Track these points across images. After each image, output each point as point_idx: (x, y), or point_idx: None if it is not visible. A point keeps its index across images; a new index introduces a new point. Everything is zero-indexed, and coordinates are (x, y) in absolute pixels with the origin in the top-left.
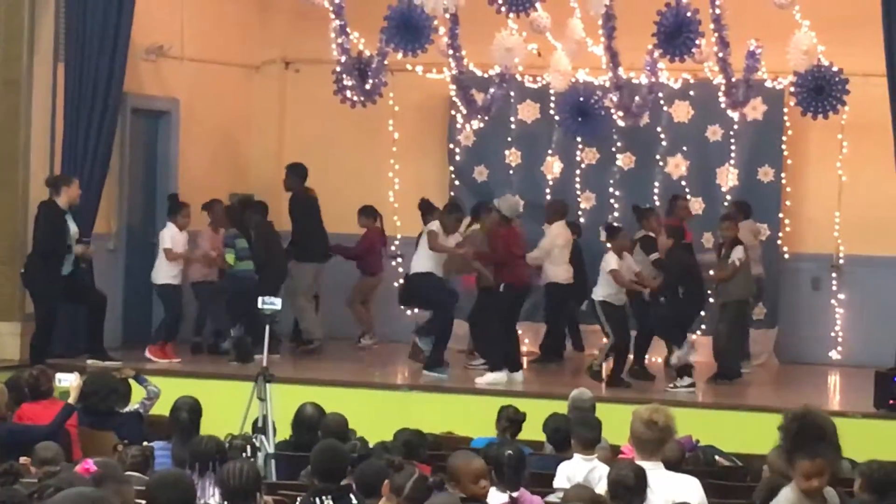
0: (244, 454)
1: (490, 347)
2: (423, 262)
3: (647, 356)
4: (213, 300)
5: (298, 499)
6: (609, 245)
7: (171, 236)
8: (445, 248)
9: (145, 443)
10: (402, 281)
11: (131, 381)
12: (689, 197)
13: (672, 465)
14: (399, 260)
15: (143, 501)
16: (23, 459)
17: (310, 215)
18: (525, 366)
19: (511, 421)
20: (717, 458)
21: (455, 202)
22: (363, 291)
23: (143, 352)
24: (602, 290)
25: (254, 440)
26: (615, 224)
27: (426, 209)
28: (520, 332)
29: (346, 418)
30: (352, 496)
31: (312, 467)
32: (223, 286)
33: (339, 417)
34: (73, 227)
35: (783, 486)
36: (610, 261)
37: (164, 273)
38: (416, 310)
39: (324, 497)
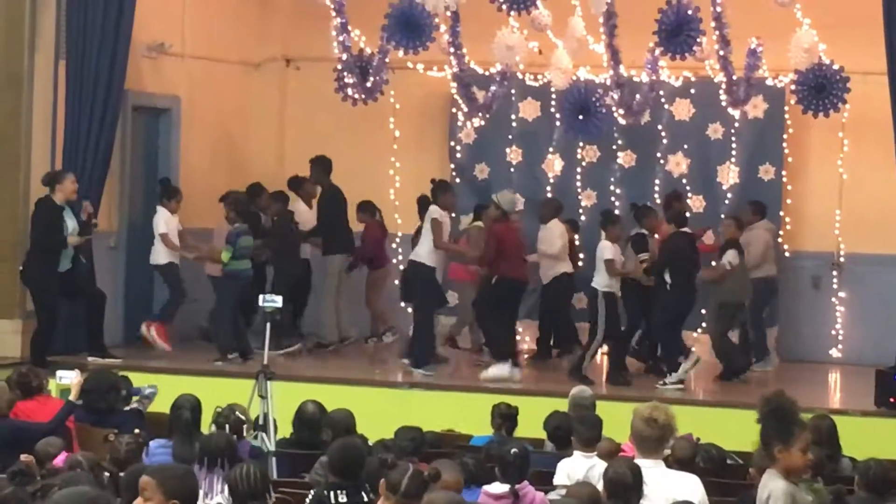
0: (238, 434)
1: (490, 339)
2: (427, 254)
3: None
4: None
5: (312, 491)
6: (604, 233)
7: (164, 221)
8: (450, 247)
9: (137, 430)
10: (402, 272)
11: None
12: (690, 195)
13: (684, 464)
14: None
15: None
16: (24, 457)
17: (338, 208)
18: (523, 363)
19: (504, 416)
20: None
21: (443, 181)
22: (374, 286)
23: (146, 349)
24: (603, 280)
25: (237, 413)
26: (615, 213)
27: (424, 205)
28: (519, 329)
29: (352, 413)
30: (364, 494)
31: (329, 463)
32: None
33: (346, 413)
34: (71, 223)
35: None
36: (605, 249)
37: (163, 253)
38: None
39: (339, 491)
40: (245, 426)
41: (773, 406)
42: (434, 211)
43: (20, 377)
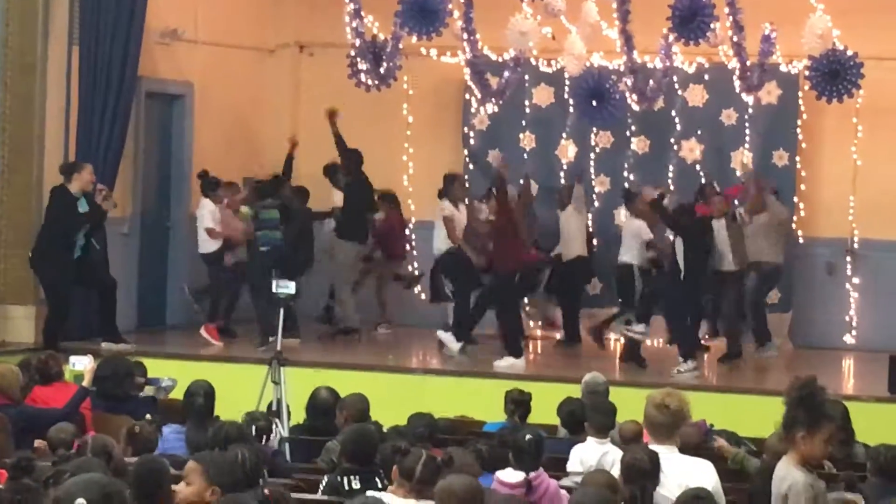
0: (266, 436)
1: (507, 331)
2: (446, 243)
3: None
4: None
5: (325, 478)
6: (630, 212)
7: (210, 213)
8: (464, 244)
9: (148, 416)
10: (429, 271)
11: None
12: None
13: (690, 450)
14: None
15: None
16: (38, 442)
17: (361, 198)
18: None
19: (517, 402)
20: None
21: (451, 174)
22: (383, 275)
23: (160, 335)
24: (639, 258)
25: (260, 423)
26: (633, 191)
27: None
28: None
29: (366, 399)
30: (377, 479)
31: (343, 449)
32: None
33: (360, 396)
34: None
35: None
36: (640, 226)
37: (211, 242)
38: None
39: (352, 477)
40: (267, 434)
41: (806, 392)
42: (445, 207)
43: (40, 363)
